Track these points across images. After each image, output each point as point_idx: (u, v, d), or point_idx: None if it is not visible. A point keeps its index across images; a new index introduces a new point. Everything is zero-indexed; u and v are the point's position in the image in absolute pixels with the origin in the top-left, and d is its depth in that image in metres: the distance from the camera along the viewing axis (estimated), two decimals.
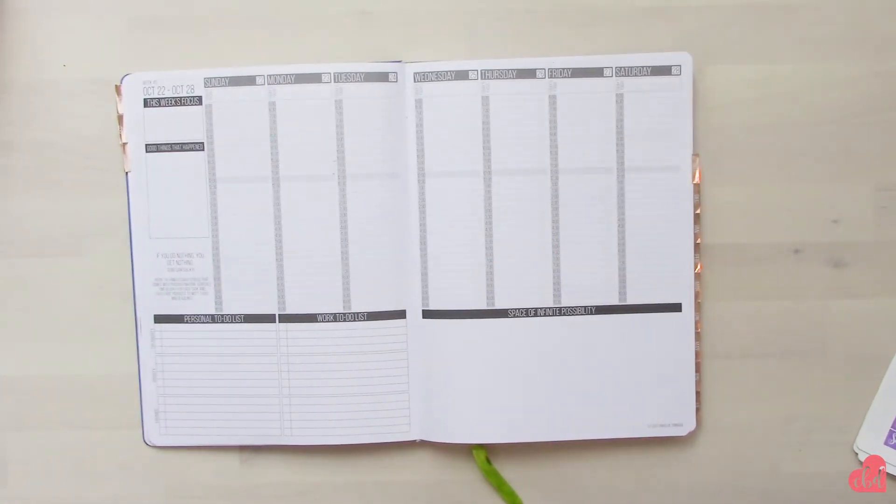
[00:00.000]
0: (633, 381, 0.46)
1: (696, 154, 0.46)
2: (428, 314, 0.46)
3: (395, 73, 0.46)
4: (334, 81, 0.46)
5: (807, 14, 0.46)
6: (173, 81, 0.46)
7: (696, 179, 0.46)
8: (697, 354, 0.47)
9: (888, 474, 0.47)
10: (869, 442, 0.47)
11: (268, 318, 0.47)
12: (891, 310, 0.47)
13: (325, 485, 0.48)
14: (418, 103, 0.46)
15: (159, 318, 0.47)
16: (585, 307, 0.46)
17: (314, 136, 0.46)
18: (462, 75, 0.45)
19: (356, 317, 0.46)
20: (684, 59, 0.46)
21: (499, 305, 0.46)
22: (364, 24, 0.47)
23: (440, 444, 0.47)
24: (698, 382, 0.47)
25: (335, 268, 0.46)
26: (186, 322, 0.47)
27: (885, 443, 0.47)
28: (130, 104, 0.46)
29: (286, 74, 0.46)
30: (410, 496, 0.48)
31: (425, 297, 0.46)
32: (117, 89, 0.47)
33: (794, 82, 0.47)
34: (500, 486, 0.47)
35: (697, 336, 0.47)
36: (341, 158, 0.46)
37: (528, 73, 0.45)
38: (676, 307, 0.46)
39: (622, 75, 0.46)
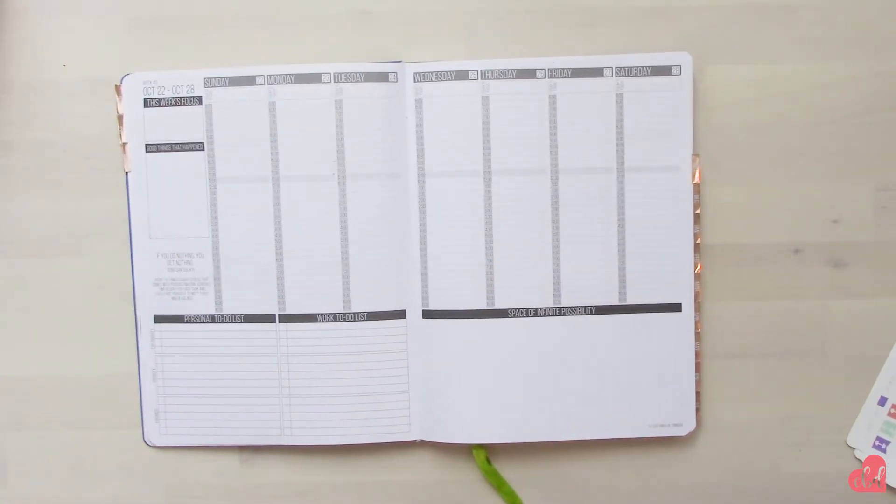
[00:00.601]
0: (633, 381, 0.46)
1: (695, 154, 0.46)
2: (428, 314, 0.46)
3: (395, 73, 0.46)
4: (334, 81, 0.46)
5: (807, 14, 0.46)
6: (173, 81, 0.46)
7: (696, 179, 0.46)
8: (697, 354, 0.47)
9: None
10: (860, 439, 0.47)
11: (268, 318, 0.47)
12: (891, 310, 0.47)
13: (325, 485, 0.48)
14: (418, 103, 0.46)
15: (159, 318, 0.47)
16: (585, 307, 0.46)
17: (314, 136, 0.46)
18: (462, 75, 0.45)
19: (356, 317, 0.46)
20: (684, 59, 0.46)
21: (499, 305, 0.46)
22: (364, 24, 0.47)
23: (440, 444, 0.47)
24: (698, 382, 0.47)
25: (335, 268, 0.46)
26: (186, 322, 0.47)
27: (873, 446, 0.47)
28: (130, 104, 0.46)
29: (286, 74, 0.46)
30: (410, 496, 0.48)
31: (425, 297, 0.46)
32: (117, 89, 0.47)
33: (794, 82, 0.47)
34: (500, 486, 0.47)
35: (697, 336, 0.47)
36: (341, 158, 0.46)
37: (528, 73, 0.45)
38: (676, 307, 0.46)
39: (622, 75, 0.46)
